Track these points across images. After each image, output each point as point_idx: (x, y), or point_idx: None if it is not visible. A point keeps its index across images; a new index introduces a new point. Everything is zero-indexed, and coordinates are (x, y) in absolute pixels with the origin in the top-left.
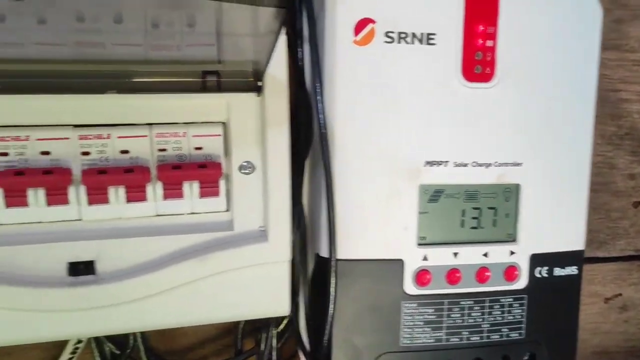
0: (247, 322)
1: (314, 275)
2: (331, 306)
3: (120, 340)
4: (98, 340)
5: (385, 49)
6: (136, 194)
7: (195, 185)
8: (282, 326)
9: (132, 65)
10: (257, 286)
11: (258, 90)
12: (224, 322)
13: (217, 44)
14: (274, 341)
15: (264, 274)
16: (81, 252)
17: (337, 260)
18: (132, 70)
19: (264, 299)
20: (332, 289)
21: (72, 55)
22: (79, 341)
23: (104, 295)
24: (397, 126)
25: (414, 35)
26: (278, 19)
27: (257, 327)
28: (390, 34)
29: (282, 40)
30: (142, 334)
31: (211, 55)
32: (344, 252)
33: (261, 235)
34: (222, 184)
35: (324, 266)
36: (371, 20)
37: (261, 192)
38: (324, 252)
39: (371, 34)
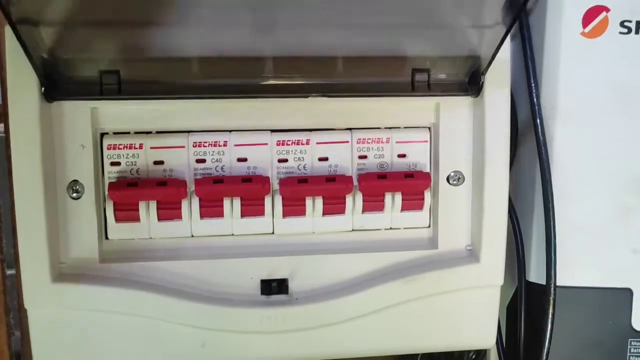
0: None
1: (516, 302)
2: (547, 341)
3: None
4: None
5: (620, 41)
6: (334, 206)
7: (398, 198)
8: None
9: (333, 62)
10: (463, 313)
11: (477, 91)
12: None
13: (429, 37)
14: None
15: (472, 299)
16: (274, 269)
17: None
18: (336, 70)
19: (468, 328)
20: (549, 322)
21: (272, 51)
22: None
23: (299, 318)
24: (631, 131)
25: None
26: (506, 8)
27: (434, 356)
28: (626, 24)
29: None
30: None
31: (422, 50)
32: (559, 278)
33: (470, 255)
34: (427, 196)
35: (534, 293)
36: (604, 8)
37: (469, 207)
38: (535, 277)
39: (604, 24)
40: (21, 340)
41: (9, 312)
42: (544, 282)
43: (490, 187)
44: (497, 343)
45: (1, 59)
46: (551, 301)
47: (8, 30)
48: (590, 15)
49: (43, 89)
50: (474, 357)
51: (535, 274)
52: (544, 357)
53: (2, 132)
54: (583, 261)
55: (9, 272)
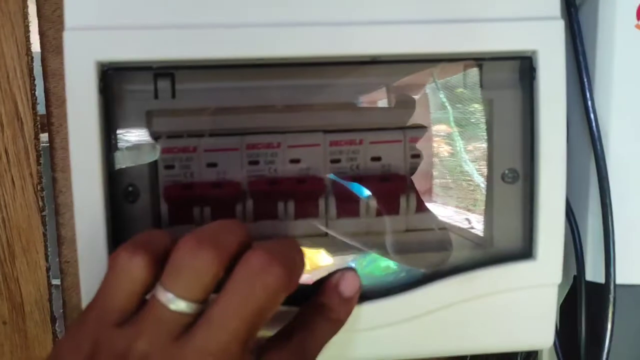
0: None
1: (569, 301)
2: (607, 340)
3: None
4: None
5: None
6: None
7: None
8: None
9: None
10: (520, 312)
11: (530, 85)
12: None
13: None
14: None
15: (529, 298)
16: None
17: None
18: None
19: (525, 328)
20: (609, 322)
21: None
22: None
23: (359, 317)
24: None
25: None
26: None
27: (485, 356)
28: None
29: (560, 25)
30: None
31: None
32: (618, 275)
33: (527, 252)
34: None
35: (591, 292)
36: None
37: (524, 203)
38: (592, 276)
39: None
40: None
41: (55, 321)
42: (600, 281)
43: (546, 184)
44: (553, 343)
45: (47, 70)
46: (611, 300)
47: (67, 37)
48: None
49: (100, 92)
50: (525, 357)
51: (592, 273)
52: (604, 357)
53: (45, 142)
54: None
55: (55, 281)
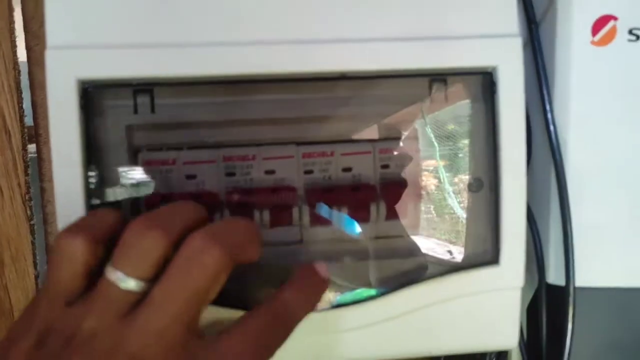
0: None
1: (536, 304)
2: (567, 343)
3: None
4: None
5: (628, 48)
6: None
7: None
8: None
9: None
10: (486, 315)
11: (491, 99)
12: None
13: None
14: None
15: (493, 301)
16: None
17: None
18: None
19: (491, 330)
20: (569, 323)
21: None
22: None
23: (322, 322)
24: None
25: None
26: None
27: (458, 356)
28: (635, 31)
29: (518, 42)
30: None
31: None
32: (578, 278)
33: (491, 258)
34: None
35: (554, 295)
36: (612, 17)
37: (488, 211)
38: (554, 279)
39: (612, 32)
40: None
41: None
42: (561, 284)
43: (508, 192)
44: (519, 344)
45: (33, 83)
46: (571, 302)
47: (49, 55)
48: (600, 23)
49: (81, 108)
50: (495, 358)
51: (554, 276)
52: (566, 357)
53: (33, 152)
54: (601, 262)
55: None
